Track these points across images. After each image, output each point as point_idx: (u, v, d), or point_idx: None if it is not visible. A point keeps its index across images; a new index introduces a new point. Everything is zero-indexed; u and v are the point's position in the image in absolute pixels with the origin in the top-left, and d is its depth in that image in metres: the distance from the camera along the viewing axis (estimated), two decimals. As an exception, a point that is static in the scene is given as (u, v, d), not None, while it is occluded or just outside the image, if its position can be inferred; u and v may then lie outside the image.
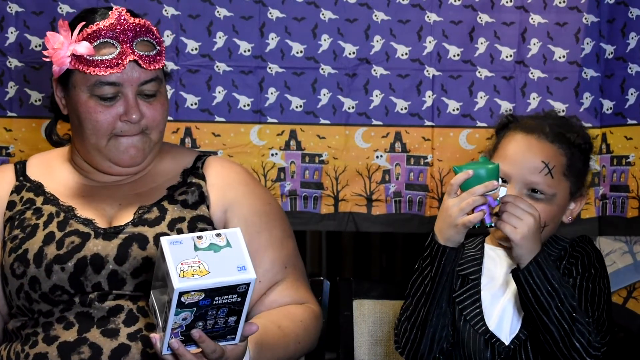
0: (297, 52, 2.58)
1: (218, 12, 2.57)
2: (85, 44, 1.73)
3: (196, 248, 1.47)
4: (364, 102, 2.59)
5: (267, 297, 1.81)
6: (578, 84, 2.59)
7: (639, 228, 2.53)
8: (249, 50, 2.57)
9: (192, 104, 2.57)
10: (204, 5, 2.55)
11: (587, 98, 2.59)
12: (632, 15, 2.54)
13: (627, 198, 2.54)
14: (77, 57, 1.74)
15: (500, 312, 1.80)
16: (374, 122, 2.60)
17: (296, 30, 2.57)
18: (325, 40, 2.58)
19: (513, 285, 1.82)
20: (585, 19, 2.58)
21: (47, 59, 1.78)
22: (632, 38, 2.54)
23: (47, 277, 1.69)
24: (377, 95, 2.59)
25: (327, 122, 2.59)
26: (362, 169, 2.60)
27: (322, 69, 2.58)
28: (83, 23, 1.75)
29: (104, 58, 1.73)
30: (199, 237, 1.48)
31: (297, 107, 2.59)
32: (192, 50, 2.58)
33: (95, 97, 1.75)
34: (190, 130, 2.56)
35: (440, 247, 1.75)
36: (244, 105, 2.58)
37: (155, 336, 1.52)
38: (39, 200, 1.80)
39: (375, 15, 2.58)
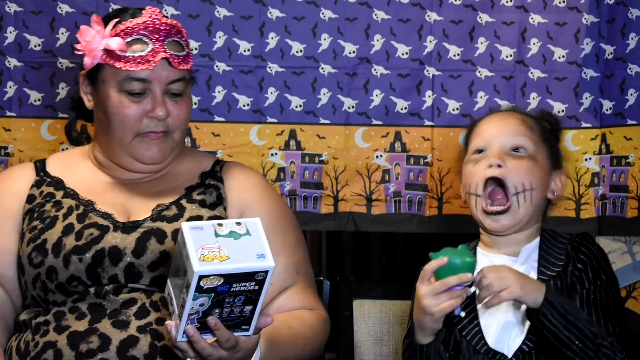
0: (297, 52, 2.58)
1: (218, 11, 2.57)
2: (118, 39, 1.77)
3: (216, 234, 1.49)
4: (364, 102, 2.59)
5: (276, 301, 1.84)
6: (578, 84, 2.59)
7: (638, 228, 2.52)
8: (248, 50, 2.57)
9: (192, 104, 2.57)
10: (203, 5, 2.55)
11: (586, 98, 2.59)
12: (632, 15, 2.54)
13: (627, 198, 2.54)
14: (108, 52, 1.78)
15: (499, 325, 1.78)
16: (374, 121, 2.60)
17: (296, 30, 2.57)
18: (325, 39, 2.58)
19: None
20: (585, 19, 2.58)
21: (79, 52, 1.81)
22: (632, 38, 2.54)
23: (65, 267, 1.72)
24: (377, 95, 2.59)
25: (327, 121, 2.59)
26: (362, 169, 2.60)
27: (322, 68, 2.58)
28: (116, 20, 1.79)
29: (135, 54, 1.78)
30: (220, 225, 1.50)
31: (296, 106, 2.58)
32: (192, 50, 2.57)
33: (124, 92, 1.79)
34: (190, 130, 2.56)
35: (418, 346, 1.74)
36: (244, 105, 2.58)
37: (170, 323, 1.53)
38: (59, 194, 1.83)
39: (376, 15, 2.58)
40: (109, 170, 1.87)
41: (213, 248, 1.47)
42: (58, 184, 1.85)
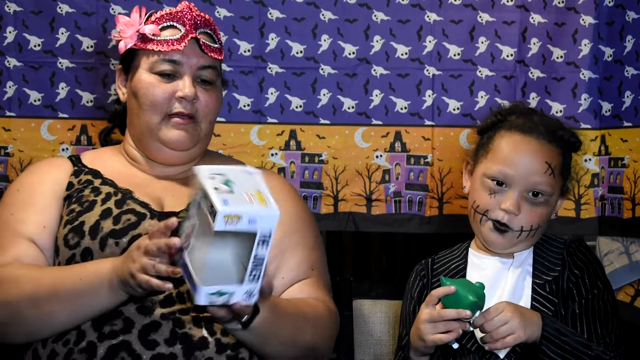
0: (297, 52, 2.58)
1: (218, 12, 2.56)
2: (152, 25, 1.86)
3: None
4: (364, 102, 2.59)
5: (286, 292, 1.86)
6: (576, 84, 2.60)
7: (634, 229, 2.53)
8: (249, 51, 2.57)
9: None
10: (203, 6, 2.54)
11: (585, 99, 2.60)
12: (629, 18, 2.54)
13: (622, 199, 2.54)
14: (142, 38, 1.86)
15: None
16: (374, 121, 2.60)
17: (296, 31, 2.57)
18: (325, 40, 2.58)
19: (500, 294, 1.81)
20: (583, 20, 2.58)
21: (117, 38, 1.89)
22: (629, 41, 2.54)
23: (101, 249, 1.75)
24: (377, 95, 2.59)
25: (327, 122, 2.59)
26: (362, 169, 2.60)
27: (322, 69, 2.58)
28: (152, 11, 1.89)
29: (168, 38, 1.85)
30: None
31: (297, 107, 2.59)
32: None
33: (155, 74, 1.86)
34: (189, 130, 2.56)
35: None
36: (244, 106, 2.58)
37: (239, 303, 1.52)
38: (97, 182, 1.88)
39: (375, 16, 2.58)
40: (141, 166, 1.92)
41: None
42: (96, 174, 1.90)
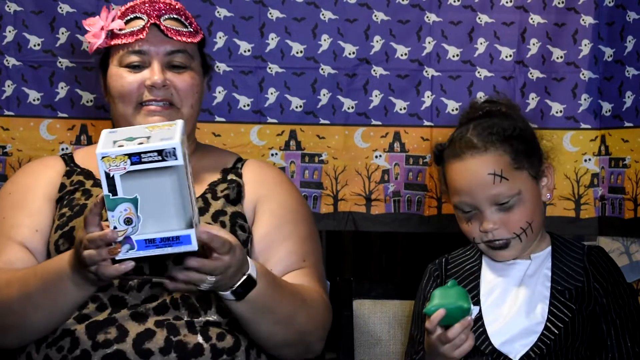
0: (297, 52, 2.58)
1: (218, 12, 2.56)
2: (118, 21, 1.85)
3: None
4: (364, 102, 2.59)
5: None
6: (576, 85, 2.60)
7: (635, 229, 2.53)
8: (249, 51, 2.57)
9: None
10: (204, 6, 2.55)
11: (585, 99, 2.60)
12: (630, 18, 2.54)
13: (624, 200, 2.54)
14: (111, 35, 1.86)
15: (504, 327, 1.78)
16: (373, 122, 2.60)
17: (296, 31, 2.57)
18: (325, 40, 2.58)
19: (515, 296, 1.81)
20: (583, 20, 2.59)
21: (87, 41, 1.90)
22: (630, 41, 2.55)
23: None
24: (376, 95, 2.59)
25: (327, 122, 2.59)
26: (362, 169, 2.60)
27: (322, 69, 2.58)
28: (118, 7, 1.90)
29: (132, 29, 1.84)
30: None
31: (296, 107, 2.59)
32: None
33: (124, 67, 1.86)
34: (190, 130, 2.56)
35: None
36: (244, 106, 2.58)
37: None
38: (89, 184, 1.86)
39: (375, 16, 2.58)
40: None
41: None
42: (88, 174, 1.88)
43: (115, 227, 1.47)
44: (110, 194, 1.46)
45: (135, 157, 1.44)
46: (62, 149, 2.53)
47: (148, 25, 1.84)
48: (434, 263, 1.94)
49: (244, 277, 1.61)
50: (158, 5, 1.87)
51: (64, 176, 1.89)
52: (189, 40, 1.88)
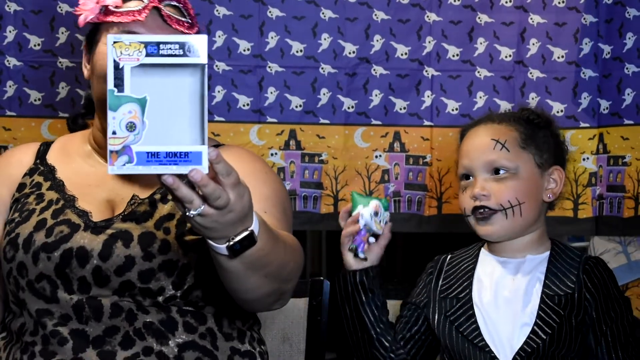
0: (297, 52, 2.58)
1: (217, 10, 2.56)
2: None
3: None
4: (364, 102, 2.59)
5: None
6: (576, 84, 2.60)
7: (635, 228, 2.53)
8: (248, 50, 2.57)
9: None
10: (203, 4, 2.55)
11: (585, 98, 2.60)
12: (629, 15, 2.54)
13: (623, 198, 2.54)
14: (105, 11, 1.72)
15: (493, 327, 1.79)
16: (373, 121, 2.60)
17: (296, 30, 2.57)
18: (325, 39, 2.58)
19: (507, 295, 1.81)
20: (584, 19, 2.59)
21: (77, 12, 1.74)
22: (629, 38, 2.54)
23: (34, 264, 1.66)
24: (376, 95, 2.59)
25: (327, 121, 2.59)
26: (362, 169, 2.60)
27: (322, 68, 2.58)
28: None
29: (129, 9, 1.72)
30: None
31: (296, 106, 2.59)
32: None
33: None
34: (189, 130, 2.56)
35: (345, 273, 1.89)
36: (244, 105, 2.58)
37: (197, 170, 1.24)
38: (46, 186, 1.77)
39: (375, 15, 2.58)
40: (103, 151, 1.77)
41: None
42: (49, 173, 1.79)
43: (114, 132, 1.24)
44: (116, 89, 1.24)
45: (152, 47, 1.23)
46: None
47: (149, 7, 1.71)
48: (434, 260, 1.96)
49: (246, 232, 1.38)
50: None
51: (26, 175, 1.80)
52: (186, 31, 1.76)
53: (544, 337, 1.74)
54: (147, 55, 1.24)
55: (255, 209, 1.41)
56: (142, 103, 1.24)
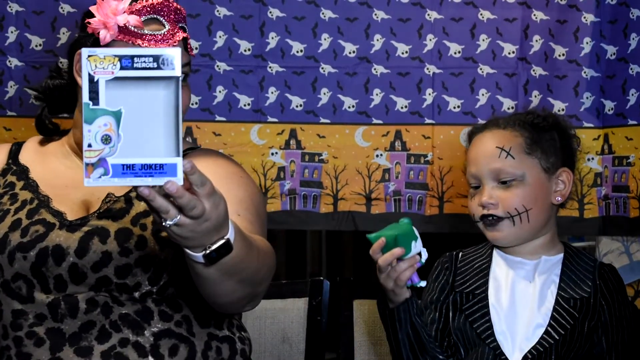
0: (297, 51, 2.57)
1: (218, 11, 2.57)
2: (135, 16, 1.71)
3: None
4: (364, 101, 2.58)
5: None
6: (577, 83, 2.58)
7: (640, 228, 2.52)
8: (249, 50, 2.57)
9: (192, 104, 2.57)
10: (203, 5, 2.55)
11: (587, 98, 2.58)
12: (633, 16, 2.53)
13: (628, 198, 2.53)
14: (123, 30, 1.72)
15: (508, 326, 1.80)
16: (374, 120, 2.59)
17: (296, 30, 2.57)
18: (325, 39, 2.58)
19: (521, 295, 1.81)
20: (584, 18, 2.57)
21: (95, 26, 1.73)
22: (633, 39, 2.53)
23: (10, 264, 1.67)
24: (377, 94, 2.59)
25: (327, 121, 2.59)
26: (362, 168, 2.59)
27: (322, 68, 2.58)
28: None
29: (154, 33, 1.72)
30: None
31: (297, 106, 2.58)
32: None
33: None
34: (191, 130, 2.56)
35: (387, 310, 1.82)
36: (244, 105, 2.58)
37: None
38: (19, 185, 1.78)
39: (376, 14, 2.58)
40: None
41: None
42: (22, 173, 1.80)
43: (89, 145, 1.26)
44: (91, 102, 1.26)
45: (126, 60, 1.25)
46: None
47: (176, 37, 1.72)
48: (445, 255, 1.96)
49: (222, 241, 1.40)
50: (174, 11, 1.75)
51: None
52: (192, 53, 1.80)
53: (557, 338, 1.76)
54: (122, 68, 1.26)
55: (229, 212, 1.42)
56: (117, 116, 1.26)
